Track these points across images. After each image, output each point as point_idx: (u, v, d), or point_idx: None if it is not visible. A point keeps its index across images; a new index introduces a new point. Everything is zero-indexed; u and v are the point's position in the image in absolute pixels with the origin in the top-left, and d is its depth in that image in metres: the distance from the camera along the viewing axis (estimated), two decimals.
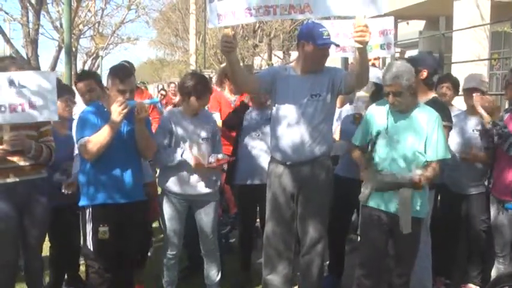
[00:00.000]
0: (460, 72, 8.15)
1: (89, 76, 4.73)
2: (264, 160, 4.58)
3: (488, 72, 14.23)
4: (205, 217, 4.39)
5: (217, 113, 5.47)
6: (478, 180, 4.65)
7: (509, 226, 4.07)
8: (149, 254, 5.16)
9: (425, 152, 3.65)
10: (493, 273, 4.50)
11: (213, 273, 4.51)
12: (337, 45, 4.01)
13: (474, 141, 4.62)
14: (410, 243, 3.74)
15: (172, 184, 4.32)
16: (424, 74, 4.13)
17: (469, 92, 4.64)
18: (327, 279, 4.81)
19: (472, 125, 4.66)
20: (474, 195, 4.63)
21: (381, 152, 3.78)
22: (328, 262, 4.90)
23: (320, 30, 3.98)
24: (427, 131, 3.63)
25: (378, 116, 3.84)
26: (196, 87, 4.27)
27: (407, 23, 17.26)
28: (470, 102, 4.59)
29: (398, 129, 3.73)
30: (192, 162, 4.18)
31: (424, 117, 3.67)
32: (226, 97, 5.96)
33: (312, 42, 3.98)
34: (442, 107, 4.16)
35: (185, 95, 4.33)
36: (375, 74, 4.42)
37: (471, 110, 4.63)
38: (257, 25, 21.84)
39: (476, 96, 4.37)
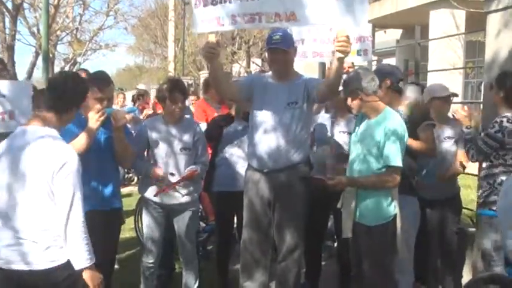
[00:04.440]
0: (436, 80, 8.28)
1: None
2: (241, 167, 4.60)
3: (464, 81, 14.47)
4: (184, 226, 4.39)
5: (204, 123, 5.48)
6: (452, 183, 4.77)
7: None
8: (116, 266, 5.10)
9: (377, 160, 3.67)
10: (465, 275, 4.65)
11: (191, 281, 4.51)
12: (284, 49, 4.04)
13: (449, 150, 4.73)
14: (364, 249, 3.76)
15: (151, 193, 4.33)
16: (388, 82, 4.20)
17: (444, 100, 4.73)
18: (304, 286, 4.83)
19: (445, 134, 4.76)
20: (447, 199, 4.73)
21: (352, 153, 3.89)
22: (304, 269, 4.93)
23: (272, 35, 4.08)
24: (381, 139, 3.63)
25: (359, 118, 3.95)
26: (165, 91, 4.29)
27: (385, 32, 17.47)
28: (446, 109, 4.73)
29: (362, 133, 3.81)
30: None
31: (382, 125, 3.68)
32: (211, 106, 5.96)
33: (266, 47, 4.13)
34: (426, 109, 4.39)
35: (161, 100, 4.36)
36: None
37: (444, 119, 4.74)
38: (235, 32, 21.88)
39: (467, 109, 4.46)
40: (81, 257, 2.85)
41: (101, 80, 3.90)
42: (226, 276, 5.05)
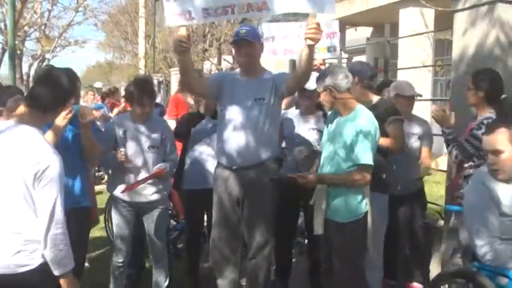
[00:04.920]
0: (405, 77, 8.43)
1: None
2: (211, 165, 4.57)
3: (433, 78, 14.67)
4: (153, 224, 4.36)
5: (173, 120, 5.45)
6: (416, 178, 4.85)
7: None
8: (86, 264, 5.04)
9: (347, 158, 3.68)
10: (432, 269, 4.75)
11: (161, 279, 4.48)
12: (250, 41, 4.03)
13: (413, 146, 4.82)
14: (335, 246, 3.79)
15: (120, 191, 4.29)
16: (356, 79, 4.24)
17: (409, 99, 4.81)
18: (274, 283, 4.84)
19: (410, 130, 4.81)
20: (414, 194, 4.80)
21: (324, 151, 3.90)
22: (275, 266, 4.94)
23: (238, 30, 4.10)
24: (352, 136, 3.63)
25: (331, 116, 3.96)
26: (133, 93, 4.24)
27: (356, 29, 17.60)
28: (409, 108, 4.83)
29: (333, 131, 3.82)
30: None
31: (353, 122, 3.68)
32: (185, 102, 5.94)
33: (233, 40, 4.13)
34: (391, 104, 4.42)
35: (129, 101, 4.32)
36: None
37: (408, 116, 4.80)
38: (207, 29, 21.80)
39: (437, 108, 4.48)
40: (60, 263, 2.71)
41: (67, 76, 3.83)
42: (197, 274, 5.03)
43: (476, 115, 4.18)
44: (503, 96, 4.06)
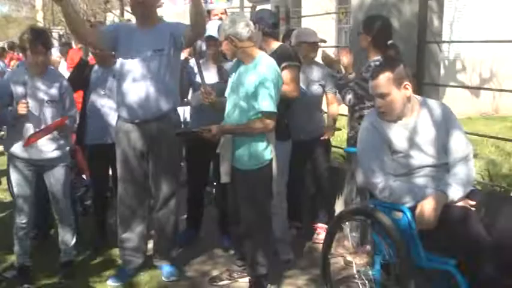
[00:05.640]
0: (309, 26, 8.54)
1: None
2: (113, 118, 4.47)
3: (337, 26, 14.94)
4: (55, 182, 4.23)
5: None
6: (319, 124, 4.99)
7: None
8: None
9: (251, 106, 3.71)
10: (337, 210, 4.95)
11: (68, 237, 4.39)
12: None
13: (315, 92, 4.92)
14: (241, 194, 3.85)
15: (18, 149, 4.10)
16: (257, 27, 4.21)
17: (312, 45, 4.89)
18: (185, 233, 4.89)
19: (311, 77, 4.92)
20: (317, 139, 4.93)
21: (228, 101, 3.89)
22: (185, 216, 4.98)
23: None
24: (254, 84, 3.65)
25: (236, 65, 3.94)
26: (26, 40, 4.01)
27: None
28: (313, 54, 4.93)
29: (236, 81, 3.83)
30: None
31: (254, 70, 3.70)
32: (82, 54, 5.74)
33: None
34: (286, 50, 4.35)
35: (23, 50, 4.11)
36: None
37: (311, 63, 4.94)
38: None
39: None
40: None
41: None
42: (105, 230, 4.99)
43: None
44: (390, 42, 4.22)
